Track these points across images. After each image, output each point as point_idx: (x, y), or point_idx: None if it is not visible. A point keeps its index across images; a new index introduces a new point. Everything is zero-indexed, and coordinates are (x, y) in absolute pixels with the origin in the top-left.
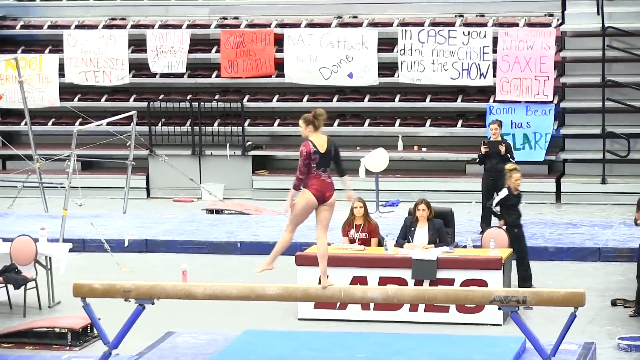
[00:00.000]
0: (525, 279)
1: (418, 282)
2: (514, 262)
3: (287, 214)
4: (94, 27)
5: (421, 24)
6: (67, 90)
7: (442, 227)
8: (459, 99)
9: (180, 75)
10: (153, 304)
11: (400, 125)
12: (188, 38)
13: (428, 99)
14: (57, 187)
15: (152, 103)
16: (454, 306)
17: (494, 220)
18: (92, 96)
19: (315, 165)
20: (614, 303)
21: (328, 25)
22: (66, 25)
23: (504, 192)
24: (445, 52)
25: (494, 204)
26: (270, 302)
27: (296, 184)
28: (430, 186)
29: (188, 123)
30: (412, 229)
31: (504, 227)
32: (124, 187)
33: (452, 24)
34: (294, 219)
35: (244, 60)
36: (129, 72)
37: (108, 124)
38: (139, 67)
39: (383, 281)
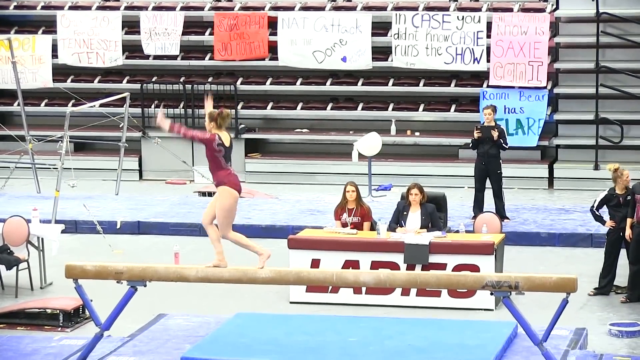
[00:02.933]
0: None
1: (410, 267)
2: (507, 247)
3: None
4: (88, 8)
5: (415, 8)
6: (60, 72)
7: (435, 211)
8: (453, 84)
9: (174, 57)
10: (145, 286)
11: (393, 109)
12: (182, 20)
13: (421, 84)
14: (49, 168)
15: (145, 85)
16: (446, 291)
17: (486, 205)
18: (85, 77)
19: (224, 159)
20: None
21: (322, 8)
22: (59, 6)
23: (602, 193)
24: (439, 37)
25: (594, 206)
26: (262, 285)
27: (182, 131)
28: (423, 171)
29: (181, 105)
30: (405, 213)
31: (611, 227)
32: (116, 169)
33: (447, 9)
34: (226, 222)
35: (237, 43)
36: (122, 54)
37: (101, 105)
38: (132, 49)
39: (375, 265)
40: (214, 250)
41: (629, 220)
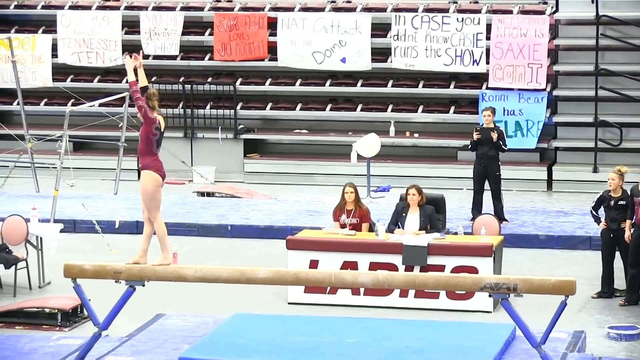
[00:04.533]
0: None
1: (408, 268)
2: (505, 249)
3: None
4: (88, 7)
5: (415, 10)
6: (60, 71)
7: (434, 213)
8: (452, 86)
9: (173, 57)
10: (144, 285)
11: (392, 110)
12: (181, 20)
13: (421, 85)
14: (48, 167)
15: None
16: (444, 292)
17: (485, 207)
18: (85, 77)
19: (155, 143)
20: None
21: (322, 9)
22: (60, 6)
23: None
24: (439, 38)
25: (592, 206)
26: (260, 285)
27: (136, 96)
28: (422, 172)
29: (180, 105)
30: (404, 214)
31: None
32: (115, 169)
33: (446, 10)
34: (153, 205)
35: (237, 44)
36: (122, 54)
37: (100, 105)
38: (132, 49)
39: (373, 266)
40: (161, 246)
41: (628, 222)
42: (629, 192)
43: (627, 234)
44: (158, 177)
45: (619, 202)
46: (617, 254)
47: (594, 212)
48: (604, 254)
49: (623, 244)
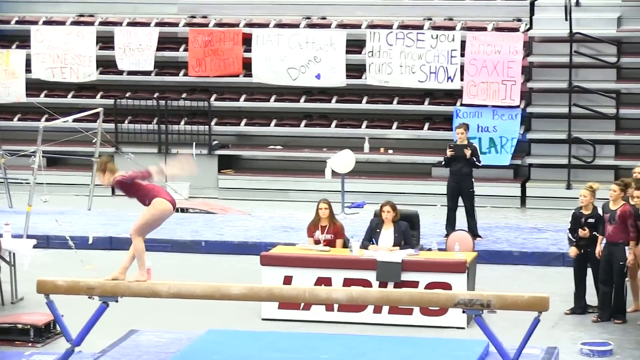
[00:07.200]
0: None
1: (382, 284)
2: (479, 266)
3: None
4: (62, 23)
5: (390, 27)
6: (34, 86)
7: (408, 229)
8: (426, 102)
9: (148, 73)
10: (117, 301)
11: (367, 127)
12: (156, 36)
13: (395, 102)
14: (22, 183)
15: (118, 100)
16: (418, 309)
17: (459, 224)
18: (59, 92)
19: (141, 180)
20: None
21: (297, 25)
22: (34, 21)
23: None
24: (413, 55)
25: (569, 227)
26: (234, 301)
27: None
28: (396, 188)
29: (154, 121)
30: (378, 230)
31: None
32: (89, 184)
33: (421, 27)
34: (144, 229)
35: (211, 59)
36: (96, 69)
37: (74, 120)
38: (106, 64)
39: (347, 282)
40: (138, 262)
41: (599, 238)
42: (599, 209)
43: (598, 249)
44: (169, 205)
45: (589, 220)
46: (590, 270)
47: (570, 236)
48: (576, 270)
49: (594, 261)
